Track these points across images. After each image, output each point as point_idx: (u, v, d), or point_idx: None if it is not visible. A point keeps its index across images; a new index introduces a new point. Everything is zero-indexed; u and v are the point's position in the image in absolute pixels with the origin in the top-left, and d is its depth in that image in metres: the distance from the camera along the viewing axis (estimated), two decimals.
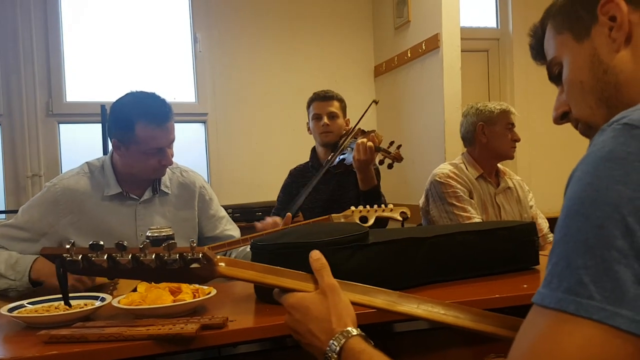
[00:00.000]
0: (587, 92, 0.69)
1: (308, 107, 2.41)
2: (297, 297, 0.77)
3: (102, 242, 0.74)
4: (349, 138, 2.20)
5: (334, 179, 2.26)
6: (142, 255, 0.73)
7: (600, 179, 0.48)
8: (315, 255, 0.81)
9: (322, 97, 2.36)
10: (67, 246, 0.74)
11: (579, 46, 0.69)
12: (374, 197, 1.92)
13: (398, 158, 1.96)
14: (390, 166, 1.99)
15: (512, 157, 2.26)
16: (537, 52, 0.81)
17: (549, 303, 0.48)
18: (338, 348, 0.70)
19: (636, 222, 0.45)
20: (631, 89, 0.64)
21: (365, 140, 1.95)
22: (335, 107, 2.35)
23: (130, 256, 0.73)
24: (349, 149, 2.16)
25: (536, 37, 0.81)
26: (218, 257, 0.78)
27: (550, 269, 0.50)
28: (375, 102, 2.32)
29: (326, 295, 0.76)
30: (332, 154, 2.29)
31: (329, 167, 2.21)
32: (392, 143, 2.00)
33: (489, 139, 2.21)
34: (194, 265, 0.74)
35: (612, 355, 0.44)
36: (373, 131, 2.16)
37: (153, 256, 0.73)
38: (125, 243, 0.74)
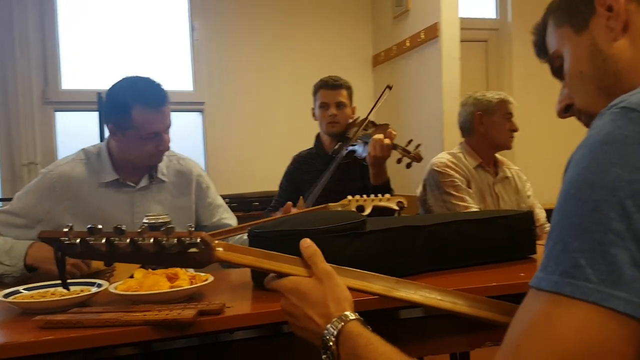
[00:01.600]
0: (587, 81, 0.70)
1: (315, 93, 2.33)
2: (294, 281, 0.77)
3: (100, 226, 0.73)
4: (360, 130, 2.15)
5: (338, 169, 2.22)
6: (140, 239, 0.73)
7: (597, 162, 0.48)
8: (306, 243, 0.81)
9: (330, 85, 2.27)
10: (65, 229, 0.73)
11: (578, 38, 0.70)
12: (385, 191, 1.90)
13: (418, 158, 1.93)
14: (408, 165, 1.97)
15: (510, 147, 2.26)
16: (540, 49, 0.82)
17: (545, 286, 0.48)
18: (336, 332, 0.70)
19: (633, 204, 0.45)
20: (630, 76, 0.65)
21: (382, 136, 1.91)
22: (343, 96, 2.28)
23: (128, 240, 0.73)
24: (359, 141, 2.13)
25: (539, 34, 0.82)
26: (216, 241, 0.77)
27: (547, 252, 0.50)
28: (389, 87, 2.20)
29: (322, 280, 0.76)
30: (338, 144, 2.25)
31: (336, 157, 2.19)
32: (410, 141, 1.97)
33: (486, 128, 2.21)
34: (192, 250, 0.74)
35: (607, 337, 0.44)
36: (387, 125, 2.13)
37: (151, 240, 0.73)
38: (124, 227, 0.74)
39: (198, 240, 0.74)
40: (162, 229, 0.73)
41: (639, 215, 0.45)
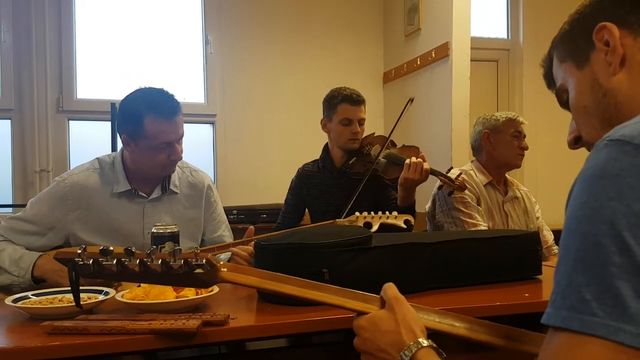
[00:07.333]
0: (591, 115, 0.72)
1: (334, 106, 2.21)
2: (365, 317, 0.77)
3: (112, 248, 0.76)
4: (383, 148, 2.14)
5: (347, 184, 2.20)
6: (149, 260, 0.75)
7: (594, 197, 0.50)
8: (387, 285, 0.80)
9: (354, 101, 2.18)
10: (79, 250, 0.76)
11: (580, 73, 0.72)
12: (409, 213, 1.86)
13: (463, 187, 1.98)
14: (450, 193, 2.00)
15: (518, 166, 2.27)
16: (550, 80, 0.84)
17: (554, 322, 0.49)
18: (408, 359, 0.70)
19: (632, 236, 0.46)
20: (630, 107, 0.67)
21: (420, 160, 1.92)
22: (364, 112, 2.21)
23: (137, 261, 0.76)
24: (381, 159, 2.12)
25: (546, 66, 0.84)
26: (221, 262, 0.80)
27: (554, 287, 0.51)
28: (412, 99, 2.18)
29: (393, 308, 0.75)
30: (353, 158, 2.21)
31: (348, 172, 2.19)
32: (450, 169, 2.01)
33: (494, 146, 2.23)
34: (197, 271, 0.77)
35: None
36: (416, 147, 2.13)
37: (159, 261, 0.76)
38: (134, 249, 0.77)
39: (204, 261, 0.76)
40: (169, 251, 0.76)
41: (638, 247, 0.46)
